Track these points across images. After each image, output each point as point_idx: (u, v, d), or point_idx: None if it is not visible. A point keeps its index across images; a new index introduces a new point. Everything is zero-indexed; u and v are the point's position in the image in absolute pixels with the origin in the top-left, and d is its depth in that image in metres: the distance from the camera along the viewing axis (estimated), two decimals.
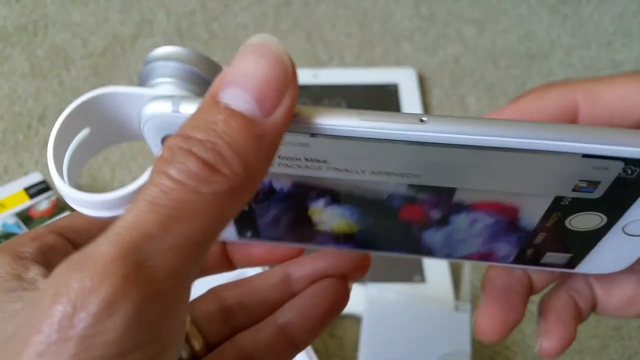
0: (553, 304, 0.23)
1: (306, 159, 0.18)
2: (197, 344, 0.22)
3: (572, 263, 0.22)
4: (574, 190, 0.18)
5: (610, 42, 0.62)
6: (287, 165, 0.18)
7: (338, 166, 0.18)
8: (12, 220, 0.46)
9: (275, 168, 0.18)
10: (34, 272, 0.16)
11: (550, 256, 0.22)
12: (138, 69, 0.59)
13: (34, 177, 0.49)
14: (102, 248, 0.13)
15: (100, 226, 0.17)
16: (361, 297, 0.45)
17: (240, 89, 0.15)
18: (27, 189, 0.47)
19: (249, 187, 0.15)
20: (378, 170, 0.18)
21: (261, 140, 0.15)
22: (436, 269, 0.47)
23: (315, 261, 0.24)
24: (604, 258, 0.21)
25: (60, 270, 0.13)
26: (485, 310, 0.22)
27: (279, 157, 0.18)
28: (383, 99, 0.56)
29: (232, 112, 0.15)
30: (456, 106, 0.57)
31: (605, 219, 0.19)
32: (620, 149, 0.16)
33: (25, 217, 0.46)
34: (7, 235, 0.45)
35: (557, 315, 0.23)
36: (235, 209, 0.15)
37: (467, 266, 0.46)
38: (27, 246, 0.18)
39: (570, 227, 0.20)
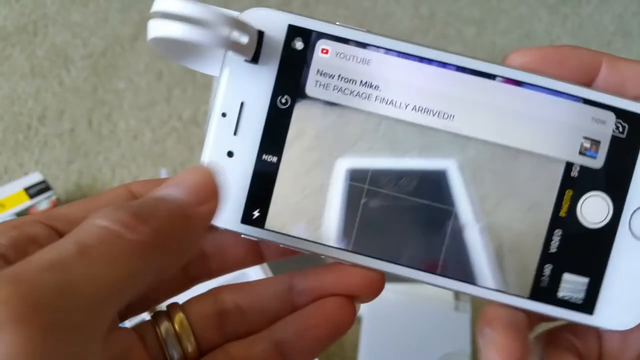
0: (552, 351, 0.21)
1: (361, 83, 0.21)
2: (190, 347, 0.21)
3: (590, 298, 0.21)
4: (580, 153, 0.20)
5: (610, 42, 0.62)
6: (341, 89, 0.21)
7: (386, 96, 0.21)
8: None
9: (329, 94, 0.21)
10: None
11: (567, 283, 0.21)
12: (138, 69, 0.60)
13: (34, 177, 0.48)
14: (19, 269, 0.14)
15: None
16: None
17: (176, 186, 0.18)
18: (27, 189, 0.47)
19: (167, 249, 0.17)
20: (420, 105, 0.21)
21: (187, 219, 0.17)
22: None
23: (322, 274, 0.22)
24: (618, 293, 0.21)
25: None
26: (501, 346, 0.20)
27: (338, 78, 0.21)
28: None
29: (164, 197, 0.18)
30: None
31: (611, 206, 0.21)
32: (612, 98, 0.20)
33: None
34: None
35: None
36: (153, 266, 0.16)
37: None
38: (1, 237, 0.17)
39: (582, 219, 0.21)
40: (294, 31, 0.21)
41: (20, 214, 0.46)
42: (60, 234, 0.18)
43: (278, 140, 0.21)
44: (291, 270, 0.23)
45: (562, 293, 0.21)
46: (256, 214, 0.21)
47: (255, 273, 0.41)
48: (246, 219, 0.21)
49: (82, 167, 0.52)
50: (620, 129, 0.20)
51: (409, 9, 0.64)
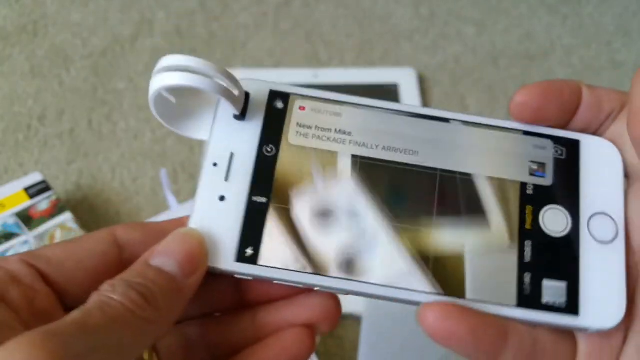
0: None
1: (335, 130, 0.25)
2: None
3: (572, 301, 0.23)
4: (530, 174, 0.24)
5: (610, 42, 0.62)
6: (319, 137, 0.24)
7: (359, 140, 0.25)
8: (12, 220, 0.46)
9: (309, 141, 0.24)
10: None
11: (548, 289, 0.23)
12: (138, 69, 0.60)
13: (34, 177, 0.48)
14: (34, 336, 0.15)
15: (77, 260, 0.21)
16: (361, 298, 0.45)
17: (169, 257, 0.21)
18: (27, 189, 0.47)
19: (164, 321, 0.20)
20: (388, 145, 0.24)
21: (179, 292, 0.20)
22: None
23: (284, 307, 0.24)
24: (596, 293, 0.23)
25: None
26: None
27: (315, 128, 0.25)
28: (383, 99, 0.56)
29: (161, 271, 0.20)
30: (456, 106, 0.58)
31: (568, 216, 0.24)
32: (545, 129, 0.25)
33: (25, 217, 0.46)
34: (8, 236, 0.45)
35: None
36: (152, 337, 0.19)
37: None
38: None
39: (546, 230, 0.24)
40: (274, 94, 0.25)
41: (20, 214, 0.46)
42: (42, 274, 0.20)
43: (266, 183, 0.24)
44: None
45: (545, 299, 0.23)
46: (249, 251, 0.23)
47: None
48: (240, 257, 0.23)
49: (82, 167, 0.52)
50: (559, 152, 0.24)
51: (409, 9, 0.63)
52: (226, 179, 0.23)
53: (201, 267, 0.21)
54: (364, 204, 0.24)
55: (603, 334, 0.22)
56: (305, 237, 0.23)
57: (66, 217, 0.46)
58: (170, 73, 0.22)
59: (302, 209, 0.23)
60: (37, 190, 0.47)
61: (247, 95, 0.24)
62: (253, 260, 0.23)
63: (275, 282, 0.23)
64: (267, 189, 0.24)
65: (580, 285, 0.23)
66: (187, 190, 0.51)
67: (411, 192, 0.24)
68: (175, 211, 0.44)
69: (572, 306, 0.22)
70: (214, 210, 0.23)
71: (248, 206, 0.23)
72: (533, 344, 0.22)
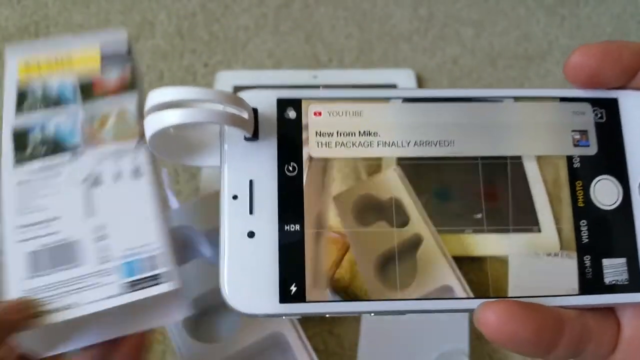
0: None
1: (360, 133, 0.22)
2: None
3: (635, 276, 0.21)
4: (575, 145, 0.22)
5: None
6: (343, 144, 0.22)
7: (387, 139, 0.22)
8: (71, 84, 0.35)
9: (333, 151, 0.22)
10: None
11: (609, 268, 0.21)
12: (139, 70, 0.60)
13: (116, 35, 0.37)
14: None
15: None
16: None
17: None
18: (103, 48, 0.36)
19: None
20: (420, 139, 0.22)
21: None
22: None
23: (90, 355, 0.30)
24: None
25: None
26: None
27: (337, 134, 0.22)
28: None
29: None
30: None
31: (618, 185, 0.22)
32: (581, 91, 0.23)
33: (87, 86, 0.35)
34: (58, 101, 0.35)
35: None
36: None
37: None
38: None
39: (599, 204, 0.22)
40: (284, 103, 0.22)
41: (83, 78, 0.35)
42: None
43: (296, 208, 0.21)
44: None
45: (608, 279, 0.21)
46: (293, 289, 0.21)
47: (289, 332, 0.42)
48: (284, 297, 0.21)
49: None
50: (599, 115, 0.22)
51: (408, 10, 0.64)
52: (251, 211, 0.21)
53: (21, 312, 0.27)
54: (407, 211, 0.22)
55: None
56: (353, 261, 0.21)
57: (129, 102, 0.35)
58: (167, 112, 0.20)
59: (341, 229, 0.21)
60: (113, 54, 0.36)
61: (254, 111, 0.22)
62: (299, 297, 0.21)
63: (328, 315, 0.21)
64: (298, 215, 0.21)
65: None
66: (187, 190, 0.52)
67: (455, 189, 0.22)
68: (175, 210, 0.44)
69: (635, 282, 0.21)
70: (244, 250, 0.21)
71: (281, 238, 0.21)
72: (582, 328, 0.21)
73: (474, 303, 0.21)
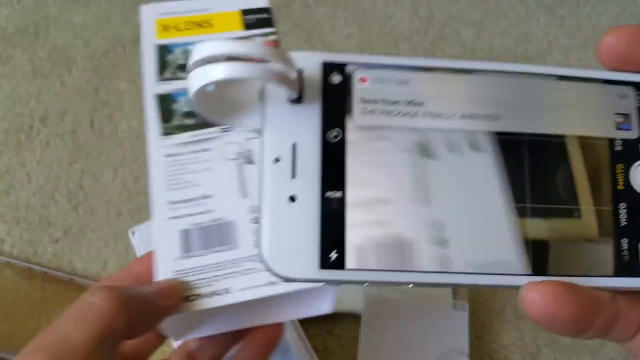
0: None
1: (405, 102, 0.22)
2: None
3: None
4: (617, 129, 0.22)
5: None
6: (388, 112, 0.21)
7: (433, 110, 0.21)
8: None
9: (377, 119, 0.21)
10: None
11: None
12: (139, 70, 0.60)
13: (258, 1, 0.34)
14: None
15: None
16: (360, 295, 0.45)
17: (150, 286, 0.26)
18: (245, 13, 0.33)
19: (132, 318, 0.23)
20: (466, 112, 0.21)
21: (149, 304, 0.24)
22: None
23: (219, 343, 0.29)
24: None
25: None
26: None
27: (382, 102, 0.22)
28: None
29: (142, 289, 0.25)
30: None
31: None
32: (626, 74, 0.22)
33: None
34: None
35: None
36: (121, 326, 0.23)
37: None
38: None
39: (638, 188, 0.22)
40: (329, 67, 0.22)
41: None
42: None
43: (338, 175, 0.21)
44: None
45: None
46: (334, 255, 0.20)
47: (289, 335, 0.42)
48: (325, 263, 0.20)
49: (84, 167, 0.53)
50: None
51: (408, 10, 0.64)
52: (293, 175, 0.21)
53: (173, 294, 0.26)
54: (450, 183, 0.21)
55: None
56: (389, 229, 0.21)
57: None
58: (213, 66, 0.19)
59: (383, 198, 0.21)
60: (256, 20, 0.33)
61: (299, 73, 0.21)
62: (339, 264, 0.20)
63: (366, 284, 0.21)
64: (340, 182, 0.21)
65: None
66: None
67: (499, 164, 0.22)
68: None
69: None
70: (285, 214, 0.20)
71: (323, 204, 0.21)
72: (615, 310, 0.21)
73: (519, 280, 0.21)
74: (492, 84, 0.22)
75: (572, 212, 0.22)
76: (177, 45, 0.32)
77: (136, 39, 0.60)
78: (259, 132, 0.21)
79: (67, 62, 0.58)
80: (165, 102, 0.30)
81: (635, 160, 0.22)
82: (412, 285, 0.21)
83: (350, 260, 0.20)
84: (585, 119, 0.22)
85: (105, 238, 0.49)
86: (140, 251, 0.42)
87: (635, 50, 0.22)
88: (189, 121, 0.30)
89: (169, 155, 0.29)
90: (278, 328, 0.30)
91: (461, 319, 0.44)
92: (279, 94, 0.21)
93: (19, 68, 0.58)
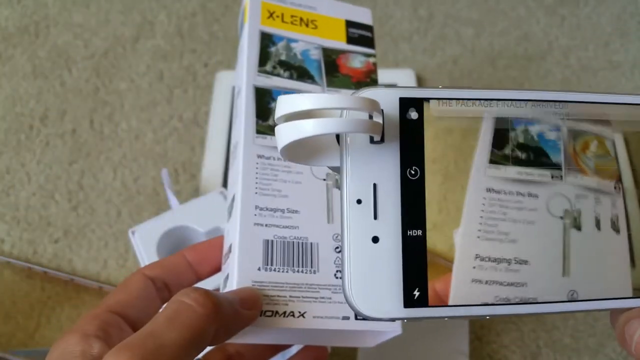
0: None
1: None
2: None
3: None
4: None
5: (608, 43, 0.63)
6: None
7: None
8: (316, 55, 0.31)
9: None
10: (97, 347, 0.22)
11: None
12: (139, 70, 0.60)
13: (365, 15, 0.33)
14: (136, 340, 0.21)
15: (144, 298, 0.26)
16: None
17: (235, 294, 0.25)
18: (349, 25, 0.33)
19: (218, 323, 0.23)
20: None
21: (236, 314, 0.24)
22: None
23: (259, 351, 0.29)
24: None
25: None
26: None
27: None
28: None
29: (228, 296, 0.24)
30: None
31: None
32: None
33: (331, 63, 0.31)
34: (302, 73, 0.31)
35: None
36: (210, 331, 0.22)
37: None
38: (90, 325, 0.23)
39: None
40: (406, 103, 0.21)
41: (327, 52, 0.32)
42: (121, 315, 0.25)
43: (418, 213, 0.21)
44: None
45: None
46: (417, 293, 0.21)
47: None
48: (409, 301, 0.21)
49: (84, 167, 0.53)
50: None
51: (408, 10, 0.64)
52: (375, 216, 0.21)
53: (254, 308, 0.25)
54: (536, 207, 0.22)
55: None
56: (470, 261, 0.21)
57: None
58: (302, 122, 0.19)
59: (463, 234, 0.21)
60: (359, 36, 0.32)
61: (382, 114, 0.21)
62: (423, 302, 0.21)
63: (446, 318, 0.21)
64: (420, 220, 0.21)
65: None
66: (188, 190, 0.52)
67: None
68: (176, 210, 0.44)
69: None
70: (368, 255, 0.21)
71: (405, 243, 0.21)
72: None
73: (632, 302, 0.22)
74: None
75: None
76: (281, 37, 0.30)
77: (136, 39, 0.60)
78: (339, 171, 0.21)
79: (67, 62, 0.58)
80: (263, 98, 0.29)
81: None
82: (488, 317, 0.21)
83: (433, 297, 0.21)
84: None
85: (105, 238, 0.49)
86: (140, 251, 0.42)
87: None
88: None
89: (260, 157, 0.28)
90: (325, 348, 0.30)
91: (462, 320, 0.44)
92: (359, 136, 0.21)
93: (18, 68, 0.58)
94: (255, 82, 0.29)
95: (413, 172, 0.21)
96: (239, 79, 0.30)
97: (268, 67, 0.29)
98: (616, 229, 0.22)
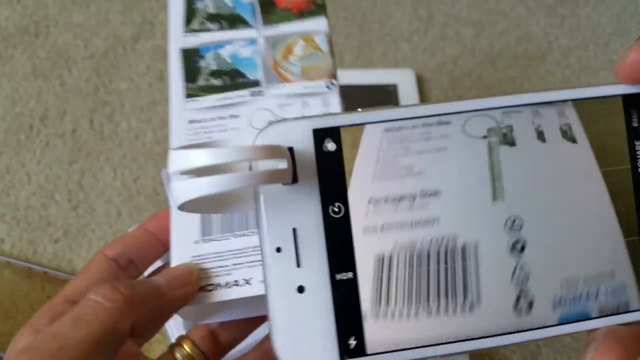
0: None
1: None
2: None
3: None
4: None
5: (608, 43, 0.63)
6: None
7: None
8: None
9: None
10: None
11: None
12: (139, 70, 0.60)
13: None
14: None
15: (107, 281, 0.24)
16: None
17: (161, 275, 0.23)
18: None
19: (139, 313, 0.22)
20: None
21: (160, 297, 0.23)
22: None
23: (242, 325, 0.27)
24: None
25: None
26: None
27: None
28: (382, 99, 0.56)
29: (148, 279, 0.23)
30: None
31: None
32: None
33: (267, 2, 0.29)
34: (233, 20, 0.29)
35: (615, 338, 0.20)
36: (124, 325, 0.21)
37: None
38: (42, 318, 0.23)
39: None
40: (321, 134, 0.19)
41: (264, 1, 0.29)
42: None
43: (347, 253, 0.19)
44: None
45: None
46: (352, 342, 0.19)
47: None
48: (344, 352, 0.19)
49: (84, 167, 0.53)
50: None
51: (408, 10, 0.64)
52: (298, 264, 0.19)
53: (187, 284, 0.24)
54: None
55: None
56: (414, 302, 0.19)
57: (319, 26, 0.29)
58: (196, 181, 0.17)
59: (398, 270, 0.19)
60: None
61: (290, 150, 0.19)
62: (360, 351, 0.19)
63: None
64: (349, 261, 0.19)
65: None
66: None
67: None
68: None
69: None
70: (294, 307, 0.19)
71: (334, 289, 0.19)
72: None
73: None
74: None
75: None
76: None
77: (136, 39, 0.60)
78: (256, 218, 0.20)
79: (67, 62, 0.58)
80: (191, 59, 0.27)
81: None
82: (438, 357, 0.20)
83: (371, 344, 0.19)
84: None
85: (105, 238, 0.49)
86: None
87: None
88: (217, 81, 0.26)
89: (192, 122, 0.26)
90: None
91: None
92: None
93: (19, 68, 0.58)
94: (182, 44, 0.27)
95: (336, 210, 0.19)
96: (168, 44, 0.28)
97: (195, 25, 0.28)
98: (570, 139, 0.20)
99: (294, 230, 0.19)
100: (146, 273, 0.28)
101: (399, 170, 0.19)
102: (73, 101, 0.56)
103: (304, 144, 0.19)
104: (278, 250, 0.19)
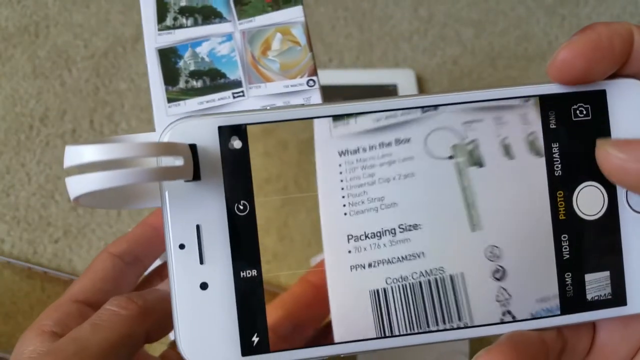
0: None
1: None
2: None
3: (618, 289, 0.20)
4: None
5: None
6: None
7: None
8: None
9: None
10: (47, 347, 0.22)
11: (591, 283, 0.20)
12: (140, 70, 0.60)
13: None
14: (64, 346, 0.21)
15: (113, 278, 0.26)
16: None
17: (167, 284, 0.23)
18: None
19: (152, 320, 0.23)
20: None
21: (168, 303, 0.22)
22: None
23: None
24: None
25: None
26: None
27: None
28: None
29: (158, 289, 0.25)
30: None
31: (604, 191, 0.20)
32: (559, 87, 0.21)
33: None
34: (208, 14, 0.27)
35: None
36: (139, 332, 0.22)
37: None
38: (48, 319, 0.23)
39: (581, 213, 0.20)
40: (226, 132, 0.19)
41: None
42: (87, 303, 0.25)
43: (251, 251, 0.19)
44: None
45: (590, 295, 0.20)
46: (255, 339, 0.19)
47: None
48: (246, 349, 0.19)
49: None
50: (584, 112, 0.21)
51: (408, 10, 0.64)
52: (201, 261, 0.19)
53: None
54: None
55: (626, 322, 0.20)
56: (318, 301, 0.20)
57: (295, 15, 0.27)
58: (88, 176, 0.17)
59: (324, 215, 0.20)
60: None
61: (192, 148, 0.19)
62: (263, 348, 0.19)
63: None
64: (253, 258, 0.19)
65: (625, 268, 0.20)
66: None
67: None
68: None
69: (619, 295, 0.20)
70: (198, 304, 0.19)
71: (237, 287, 0.19)
72: (562, 344, 0.21)
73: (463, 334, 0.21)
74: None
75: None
76: None
77: (136, 39, 0.60)
78: (162, 215, 0.20)
79: (67, 62, 0.58)
80: (169, 59, 0.26)
81: (578, 185, 0.20)
82: (342, 355, 0.20)
83: (274, 342, 0.19)
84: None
85: (105, 238, 0.49)
86: None
87: (597, 64, 0.20)
88: (197, 83, 0.26)
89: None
90: None
91: None
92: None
93: (18, 68, 0.58)
94: (157, 44, 0.26)
95: (242, 207, 0.19)
96: (145, 46, 0.27)
97: (168, 22, 0.26)
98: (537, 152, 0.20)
99: (198, 227, 0.19)
100: (146, 273, 0.28)
101: (371, 204, 0.20)
102: (73, 101, 0.56)
103: (209, 141, 0.19)
104: (181, 247, 0.19)
